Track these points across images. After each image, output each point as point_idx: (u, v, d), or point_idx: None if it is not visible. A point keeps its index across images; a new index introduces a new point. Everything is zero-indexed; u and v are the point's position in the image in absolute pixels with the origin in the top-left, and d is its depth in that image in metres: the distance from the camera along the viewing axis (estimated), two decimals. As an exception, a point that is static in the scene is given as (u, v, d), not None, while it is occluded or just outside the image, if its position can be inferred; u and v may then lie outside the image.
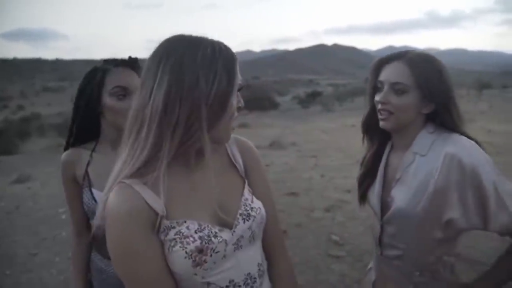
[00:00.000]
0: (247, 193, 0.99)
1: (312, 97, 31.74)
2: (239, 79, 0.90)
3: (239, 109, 0.92)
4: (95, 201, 1.36)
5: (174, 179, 0.89)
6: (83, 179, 1.39)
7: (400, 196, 1.22)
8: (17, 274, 3.70)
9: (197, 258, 0.84)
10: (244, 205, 0.96)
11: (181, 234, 0.85)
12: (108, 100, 1.35)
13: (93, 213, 1.33)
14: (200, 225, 0.87)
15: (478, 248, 3.47)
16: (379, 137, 1.37)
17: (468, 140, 1.16)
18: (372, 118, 1.31)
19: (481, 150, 1.15)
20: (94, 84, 1.36)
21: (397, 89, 1.20)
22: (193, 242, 0.84)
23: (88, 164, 1.40)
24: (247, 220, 0.94)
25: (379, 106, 1.24)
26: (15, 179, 8.03)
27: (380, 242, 1.32)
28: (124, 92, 1.34)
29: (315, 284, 3.20)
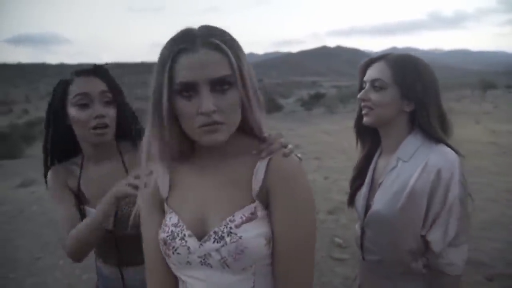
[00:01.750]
0: (240, 215, 0.85)
1: (316, 99, 31.68)
2: (181, 77, 0.80)
3: (202, 114, 0.79)
4: None
5: (189, 170, 0.94)
6: (78, 193, 1.36)
7: (378, 201, 1.25)
8: (21, 278, 3.71)
9: (163, 248, 0.90)
10: (224, 225, 0.85)
11: (165, 221, 0.92)
12: (71, 110, 1.29)
13: None
14: (178, 221, 0.90)
15: (482, 250, 3.44)
16: (370, 140, 1.40)
17: (453, 153, 1.18)
18: (362, 119, 1.35)
19: (460, 167, 1.16)
20: (58, 96, 1.32)
21: (376, 85, 1.25)
22: (165, 232, 0.90)
23: (79, 180, 1.36)
24: (218, 242, 0.84)
25: (361, 104, 1.31)
26: (20, 183, 8.06)
27: (362, 247, 1.33)
28: (85, 100, 1.27)
29: (318, 286, 3.18)
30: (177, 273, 0.92)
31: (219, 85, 0.81)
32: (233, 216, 0.86)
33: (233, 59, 0.81)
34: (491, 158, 7.58)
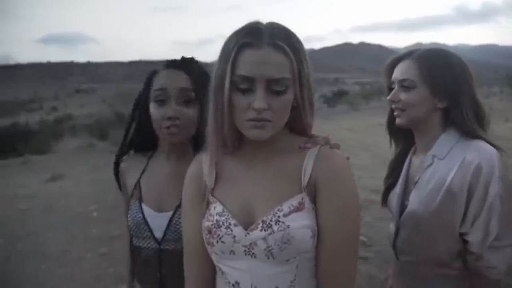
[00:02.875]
0: (288, 205, 0.86)
1: (339, 96, 31.37)
2: (241, 70, 0.82)
3: (254, 109, 0.82)
4: (144, 218, 1.19)
5: (236, 163, 0.95)
6: (134, 188, 1.26)
7: (414, 199, 1.20)
8: (51, 269, 3.84)
9: (207, 237, 0.90)
10: (272, 214, 0.86)
11: (209, 210, 0.92)
12: (151, 105, 1.19)
13: (138, 228, 1.20)
14: (223, 210, 0.90)
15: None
16: (404, 138, 1.36)
17: (492, 148, 1.13)
18: (393, 119, 1.30)
19: (501, 162, 1.11)
20: (143, 89, 1.23)
21: (405, 85, 1.21)
22: (209, 221, 0.90)
23: (142, 173, 1.27)
24: (265, 230, 0.85)
25: (392, 105, 1.27)
26: (49, 178, 8.34)
27: (395, 247, 1.29)
28: (163, 96, 1.16)
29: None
30: (218, 264, 0.93)
31: (275, 85, 0.82)
32: (281, 205, 0.86)
33: (295, 64, 0.83)
34: (521, 157, 7.31)
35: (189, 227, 0.97)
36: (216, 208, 0.91)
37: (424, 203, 1.17)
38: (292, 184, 0.89)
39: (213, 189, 0.94)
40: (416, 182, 1.23)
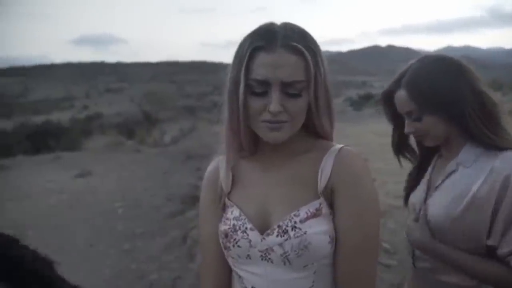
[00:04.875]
0: (305, 210, 0.84)
1: (366, 99, 30.88)
2: (256, 74, 0.81)
3: (270, 112, 0.81)
4: None
5: (252, 166, 0.94)
6: None
7: (435, 204, 1.17)
8: (75, 263, 3.94)
9: (224, 241, 0.90)
10: (289, 219, 0.84)
11: (226, 214, 0.92)
12: None
13: None
14: (240, 214, 0.89)
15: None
16: (421, 152, 1.33)
17: None
18: (400, 139, 1.29)
19: None
20: None
21: (413, 117, 1.17)
22: (226, 225, 0.90)
23: None
24: (281, 236, 0.83)
25: (413, 135, 1.24)
26: (77, 174, 8.58)
27: (413, 253, 1.25)
28: None
29: (363, 292, 3.09)
30: (235, 268, 0.92)
31: (290, 88, 0.82)
32: (298, 211, 0.85)
33: (311, 66, 0.81)
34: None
35: (207, 230, 0.97)
36: (233, 212, 0.91)
37: (446, 209, 1.13)
38: (309, 189, 0.87)
39: (229, 193, 0.94)
40: (437, 187, 1.20)
